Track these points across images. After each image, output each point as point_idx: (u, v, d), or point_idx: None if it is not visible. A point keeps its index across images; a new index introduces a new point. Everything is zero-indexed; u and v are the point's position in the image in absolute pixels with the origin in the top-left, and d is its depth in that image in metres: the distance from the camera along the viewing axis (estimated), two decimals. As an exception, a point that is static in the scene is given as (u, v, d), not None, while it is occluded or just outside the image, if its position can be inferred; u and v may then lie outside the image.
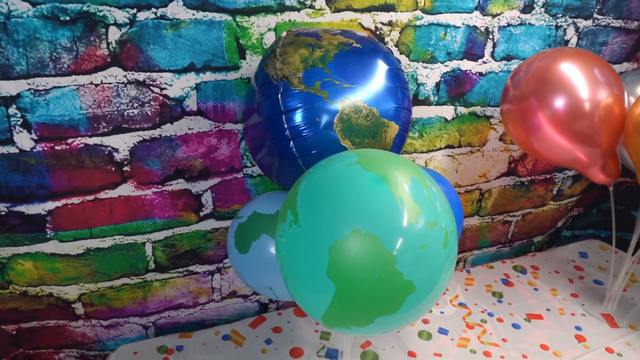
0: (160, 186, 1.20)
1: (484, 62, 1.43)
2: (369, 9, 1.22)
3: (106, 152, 1.11)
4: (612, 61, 1.59)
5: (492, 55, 1.43)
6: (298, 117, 0.91)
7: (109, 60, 1.04)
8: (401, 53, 1.31)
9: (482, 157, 1.60)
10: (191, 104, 1.15)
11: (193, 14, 1.06)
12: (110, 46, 1.03)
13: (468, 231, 1.73)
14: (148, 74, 1.08)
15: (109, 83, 1.06)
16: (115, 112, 1.09)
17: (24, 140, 1.03)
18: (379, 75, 0.97)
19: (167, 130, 1.15)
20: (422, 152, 1.50)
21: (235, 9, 1.09)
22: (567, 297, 1.46)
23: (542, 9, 1.41)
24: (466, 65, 1.41)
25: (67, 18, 0.97)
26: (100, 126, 1.08)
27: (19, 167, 1.05)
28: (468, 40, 1.37)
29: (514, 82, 1.27)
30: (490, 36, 1.40)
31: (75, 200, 1.13)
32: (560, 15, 1.44)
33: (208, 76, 1.14)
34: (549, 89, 1.18)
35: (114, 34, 1.02)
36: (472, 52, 1.40)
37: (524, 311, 1.38)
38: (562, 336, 1.29)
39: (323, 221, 0.70)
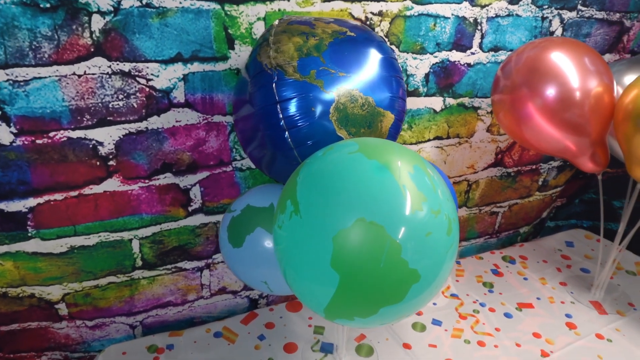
0: (147, 181, 1.16)
1: (473, 53, 1.44)
2: (359, -1, 1.20)
3: (90, 146, 1.07)
4: (595, 52, 1.61)
5: (480, 46, 1.43)
6: (293, 107, 0.89)
7: (92, 50, 0.99)
8: (391, 44, 1.30)
9: (469, 149, 1.60)
10: (178, 95, 1.12)
11: (180, 2, 1.03)
12: (94, 35, 0.98)
13: (456, 223, 1.74)
14: (133, 64, 1.04)
15: (93, 74, 1.01)
16: (100, 104, 1.04)
17: (2, 133, 0.98)
18: (373, 64, 0.95)
19: (154, 122, 1.11)
20: (411, 144, 1.49)
21: (224, -4, 1.06)
22: (556, 285, 1.48)
23: (529, 0, 1.42)
24: (455, 56, 1.41)
25: (48, 5, 0.92)
26: (84, 119, 1.04)
27: (-3, 162, 1.00)
28: (457, 31, 1.37)
29: (504, 73, 1.27)
30: (479, 27, 1.40)
31: (58, 196, 1.08)
32: (547, 6, 1.45)
33: (196, 67, 1.11)
34: (540, 79, 1.19)
35: (97, 23, 0.98)
36: (460, 43, 1.40)
37: (515, 300, 1.40)
38: (553, 324, 1.30)
39: (326, 211, 0.68)
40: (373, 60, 0.95)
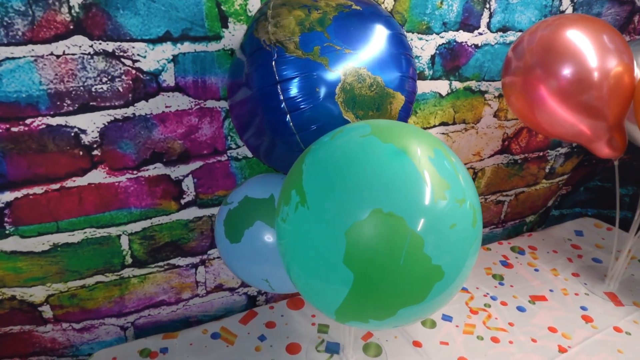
0: (135, 172, 1.07)
1: (480, 34, 1.36)
2: (362, -28, 1.11)
3: (72, 134, 0.98)
4: (606, 33, 1.54)
5: (489, 26, 1.35)
6: (295, 88, 0.80)
7: (71, 27, 0.90)
8: (396, 22, 1.21)
9: (476, 135, 1.53)
10: (168, 78, 1.02)
11: (168, -26, 0.93)
12: (73, 11, 0.89)
13: (462, 213, 1.67)
14: (118, 43, 0.95)
15: (73, 54, 0.92)
16: (81, 88, 0.95)
17: (-28, 121, 0.89)
18: (381, 41, 0.87)
19: (142, 108, 1.02)
20: (416, 131, 1.41)
21: (216, -32, 0.97)
22: (569, 276, 1.42)
23: (540, -24, 1.34)
24: (462, 36, 1.33)
25: (19, -24, 0.83)
26: (64, 104, 0.95)
27: (-32, 152, 0.90)
28: (465, 10, 1.29)
29: (516, 54, 1.20)
30: (487, 5, 1.32)
31: (38, 189, 0.99)
32: (558, -17, 1.37)
33: (186, 47, 1.01)
34: (556, 59, 1.11)
35: (76, -4, 0.88)
36: (468, 22, 1.32)
37: (527, 293, 1.33)
38: (568, 317, 1.24)
39: (337, 201, 0.60)
40: (381, 36, 0.87)
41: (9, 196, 0.97)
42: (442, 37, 1.30)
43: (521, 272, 1.44)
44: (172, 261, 1.22)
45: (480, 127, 1.51)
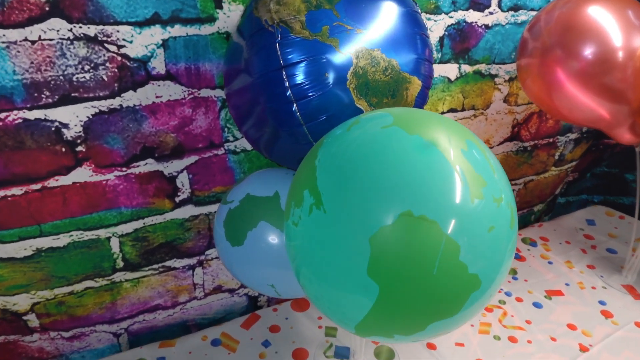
0: (124, 169, 0.98)
1: (491, 13, 1.27)
2: (368, -54, 1.02)
3: (53, 129, 0.88)
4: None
5: (499, 4, 1.27)
6: (302, 73, 0.72)
7: (47, 9, 0.80)
8: (403, 1, 1.12)
9: (485, 121, 1.45)
10: (158, 65, 0.93)
11: (154, -52, 0.84)
12: (48, -10, 0.79)
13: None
14: (101, 27, 0.85)
15: (50, 39, 0.82)
16: (61, 77, 0.86)
17: (-62, 116, 0.79)
18: (395, 20, 0.78)
19: (130, 99, 0.93)
20: (423, 118, 1.33)
21: (208, -59, 0.87)
22: (584, 269, 1.36)
23: (555, -50, 1.25)
24: (472, 16, 1.24)
25: (-15, -51, 0.73)
26: (43, 96, 0.85)
27: None
28: (475, -13, 1.20)
29: (533, 34, 1.12)
30: (499, -18, 1.23)
31: (17, 190, 0.90)
32: (574, -43, 1.28)
33: (177, 30, 0.92)
34: (576, 38, 1.03)
35: (51, -27, 0.78)
36: (478, 0, 1.23)
37: (542, 288, 1.27)
38: (587, 313, 1.18)
39: (359, 203, 0.52)
40: (394, 14, 0.78)
41: (-16, 199, 0.88)
42: (452, 17, 1.22)
43: (534, 265, 1.37)
44: (168, 263, 1.13)
45: (489, 113, 1.44)
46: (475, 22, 1.26)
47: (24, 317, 1.04)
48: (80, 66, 0.86)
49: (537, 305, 1.20)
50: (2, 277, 0.97)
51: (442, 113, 1.35)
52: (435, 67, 1.27)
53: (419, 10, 0.85)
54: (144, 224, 1.06)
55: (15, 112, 0.84)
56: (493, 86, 1.39)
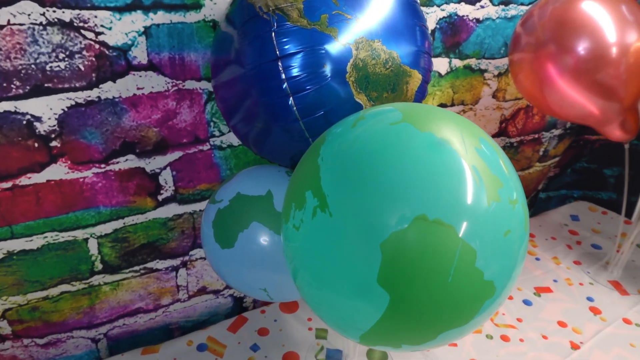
0: (103, 165, 0.92)
1: (482, 7, 1.25)
2: None
3: (24, 122, 0.81)
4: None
5: (491, -2, 1.25)
6: (300, 64, 0.67)
7: (16, -10, 0.73)
8: (396, -8, 1.08)
9: (474, 117, 1.44)
10: (139, 54, 0.87)
11: None
12: (18, -31, 0.72)
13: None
14: (77, 11, 0.79)
15: (20, 24, 0.75)
16: (33, 66, 0.79)
17: None
18: (394, 9, 0.74)
19: (109, 90, 0.87)
20: (413, 113, 1.30)
21: None
22: (571, 265, 1.36)
23: (547, -56, 1.23)
24: (464, 9, 1.22)
25: None
26: (12, 86, 0.78)
27: None
28: (468, -21, 1.18)
29: (526, 28, 1.10)
30: (491, -25, 1.21)
31: (-16, 189, 0.83)
32: (565, -49, 1.27)
33: (160, 17, 0.86)
34: (571, 33, 1.02)
35: (21, -49, 0.71)
36: (470, -7, 1.21)
37: (531, 284, 1.27)
38: (576, 309, 1.18)
39: (369, 206, 0.49)
40: (394, 3, 0.75)
41: (-53, 198, 0.80)
42: (443, 10, 1.19)
43: (523, 262, 1.37)
44: (150, 265, 1.07)
45: (478, 108, 1.42)
46: (467, 16, 1.23)
47: (-6, 325, 0.97)
48: (54, 54, 0.79)
49: (527, 302, 1.20)
50: (-32, 283, 0.90)
51: (432, 108, 1.33)
52: (427, 61, 1.24)
53: (418, 0, 0.81)
54: (124, 224, 1.00)
55: (-19, 103, 0.77)
56: (482, 81, 1.37)
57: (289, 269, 0.61)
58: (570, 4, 1.04)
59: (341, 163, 0.53)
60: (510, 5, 1.29)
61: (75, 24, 0.79)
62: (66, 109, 0.84)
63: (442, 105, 1.34)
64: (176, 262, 1.11)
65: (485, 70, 1.36)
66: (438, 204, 0.48)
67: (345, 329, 0.57)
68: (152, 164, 0.97)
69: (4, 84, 0.77)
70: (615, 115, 1.11)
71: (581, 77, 1.05)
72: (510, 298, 1.21)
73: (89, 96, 0.85)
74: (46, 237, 0.92)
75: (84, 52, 0.82)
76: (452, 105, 1.36)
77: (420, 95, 0.80)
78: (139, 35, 0.85)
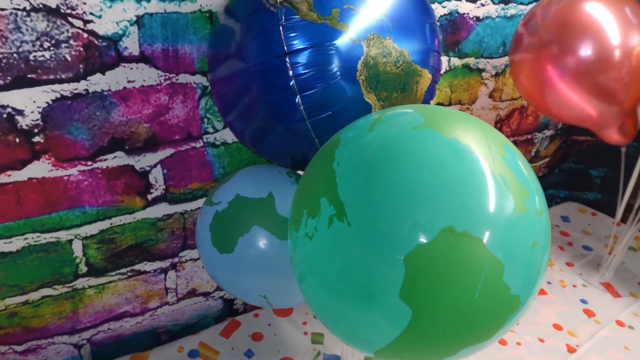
0: (90, 162, 0.86)
1: (483, 5, 1.23)
2: None
3: (4, 116, 0.75)
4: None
5: (491, -4, 1.23)
6: (308, 61, 0.63)
7: (-3, -28, 0.67)
8: (398, -13, 1.05)
9: (469, 117, 1.42)
10: (131, 45, 0.82)
11: None
12: (-1, -51, 0.66)
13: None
14: (63, -3, 0.73)
15: (2, 9, 0.69)
16: (15, 55, 0.73)
17: None
18: (405, 4, 0.71)
19: (97, 83, 0.81)
20: (410, 112, 1.28)
21: None
22: (563, 266, 1.36)
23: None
24: (465, 7, 1.20)
25: None
26: (-8, 76, 0.72)
27: None
28: (470, -24, 1.15)
29: (529, 29, 1.08)
30: (493, -28, 1.18)
31: (-40, 188, 0.77)
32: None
33: (154, 6, 0.81)
34: (575, 35, 1.00)
35: None
36: (471, -9, 1.18)
37: (526, 287, 1.26)
38: (571, 312, 1.18)
39: (392, 217, 0.45)
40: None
41: None
42: (445, 7, 1.16)
43: (517, 263, 1.36)
44: (137, 267, 1.02)
45: (475, 108, 1.40)
46: (467, 14, 1.21)
47: (-32, 331, 0.91)
48: (38, 43, 0.74)
49: (522, 305, 1.19)
50: (-60, 288, 0.83)
51: (429, 107, 1.30)
52: (425, 58, 1.21)
53: (428, -4, 0.78)
54: (111, 224, 0.94)
55: (-43, 95, 0.71)
56: (480, 81, 1.36)
57: (296, 277, 0.57)
58: (573, 5, 1.03)
59: (360, 169, 0.49)
60: (510, 5, 1.28)
61: (62, 11, 0.73)
62: (51, 102, 0.78)
63: (440, 105, 1.32)
64: (165, 263, 1.06)
65: (483, 70, 1.34)
66: (466, 215, 0.45)
67: (358, 343, 0.53)
68: (141, 161, 0.92)
69: (-17, 74, 0.71)
70: (614, 118, 1.10)
71: (583, 79, 1.04)
72: (506, 301, 1.20)
73: (76, 89, 0.80)
74: (27, 238, 0.86)
75: (71, 42, 0.76)
76: (450, 104, 1.34)
77: (429, 96, 0.77)
78: (131, 25, 0.80)
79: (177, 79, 0.88)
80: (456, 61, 1.27)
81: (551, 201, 2.01)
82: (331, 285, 0.50)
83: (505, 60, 1.35)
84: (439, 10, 1.16)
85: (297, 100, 0.65)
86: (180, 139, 0.95)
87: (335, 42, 0.63)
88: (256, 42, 0.66)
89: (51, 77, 0.77)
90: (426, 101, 0.77)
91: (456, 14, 1.19)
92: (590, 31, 1.00)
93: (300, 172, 0.91)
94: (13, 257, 0.87)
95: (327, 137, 0.69)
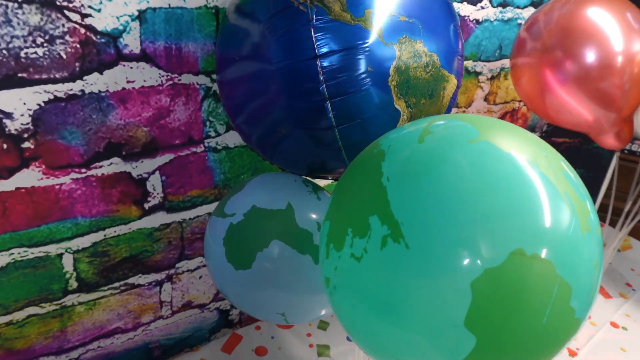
0: (84, 170, 0.79)
1: (482, 8, 1.22)
2: None
3: (-10, 119, 0.68)
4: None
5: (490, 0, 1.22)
6: (341, 65, 0.59)
7: (-15, -42, 0.59)
8: (405, -13, 1.02)
9: (464, 120, 1.41)
10: (131, 42, 0.75)
11: None
12: None
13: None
14: (59, -12, 0.66)
15: (-11, 0, 0.62)
16: (4, 52, 0.65)
17: None
18: (435, 7, 0.68)
19: (94, 83, 0.74)
20: (409, 115, 1.25)
21: None
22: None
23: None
24: (465, 9, 1.18)
25: None
26: (-23, 75, 0.64)
27: None
28: (473, -22, 1.14)
29: (532, 34, 1.08)
30: (494, -25, 1.18)
31: (-62, 200, 0.68)
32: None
33: (157, 0, 0.74)
34: (578, 40, 1.01)
35: None
36: (473, -7, 1.17)
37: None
38: (569, 315, 1.19)
39: (457, 239, 0.42)
40: (434, 1, 0.68)
41: None
42: (447, 9, 1.14)
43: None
44: (131, 280, 0.95)
45: (470, 111, 1.40)
46: (468, 16, 1.20)
47: (-58, 357, 0.82)
48: (30, 38, 0.66)
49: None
50: None
51: (428, 110, 1.29)
52: (426, 61, 1.19)
53: (451, -1, 0.75)
54: (104, 236, 0.87)
55: (-63, 96, 0.62)
56: (477, 84, 1.35)
57: (333, 299, 0.53)
58: (576, 10, 1.03)
59: (416, 186, 0.45)
60: (508, 8, 1.27)
61: (57, 3, 0.66)
62: (43, 104, 0.71)
63: (437, 107, 1.31)
64: (161, 276, 0.99)
65: (480, 73, 1.34)
66: (535, 236, 0.42)
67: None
68: (139, 168, 0.85)
69: (-33, 73, 0.63)
70: (612, 124, 1.11)
71: (584, 85, 1.04)
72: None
73: (71, 89, 0.72)
74: (12, 254, 0.78)
75: (67, 37, 0.69)
76: (446, 107, 1.33)
77: (453, 102, 0.74)
78: (132, 20, 0.73)
79: (179, 80, 0.82)
80: (455, 64, 1.26)
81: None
82: (383, 311, 0.46)
83: (500, 63, 1.35)
84: (441, 11, 1.14)
85: (327, 106, 0.61)
86: (181, 143, 0.88)
87: (368, 45, 0.60)
88: (281, 43, 0.61)
89: (44, 76, 0.69)
90: (450, 107, 0.74)
91: (458, 16, 1.17)
92: (594, 37, 1.00)
93: (313, 180, 0.87)
94: (-4, 275, 0.78)
95: (354, 146, 0.65)
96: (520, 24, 1.32)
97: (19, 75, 0.67)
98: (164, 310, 1.04)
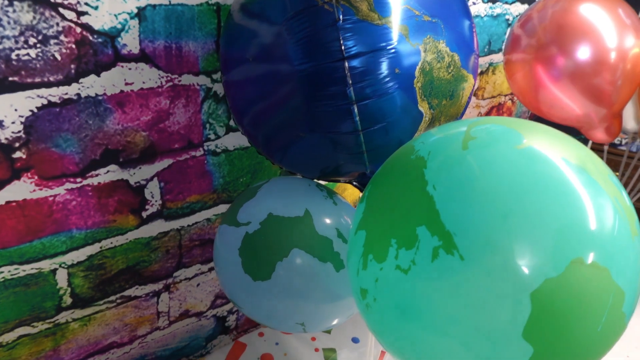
0: (79, 179, 0.74)
1: (474, 3, 1.22)
2: None
3: (-22, 128, 0.61)
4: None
5: (481, -5, 1.22)
6: (368, 66, 0.57)
7: (-29, -51, 0.53)
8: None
9: (453, 115, 1.42)
10: (130, 42, 0.70)
11: None
12: None
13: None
14: (53, -17, 0.60)
15: (-25, -4, 0.56)
16: (-8, 54, 0.59)
17: None
18: (453, 4, 0.67)
19: (91, 86, 0.69)
20: (403, 112, 1.25)
21: None
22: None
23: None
24: (458, 5, 1.18)
25: None
26: (-37, 79, 0.58)
27: None
28: (465, -26, 1.13)
29: (527, 30, 1.09)
30: (485, -29, 1.18)
31: None
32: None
33: (157, -4, 0.70)
34: (572, 37, 1.02)
35: None
36: (465, -11, 1.16)
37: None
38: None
39: (516, 249, 0.41)
40: (454, 1, 0.67)
41: None
42: (441, 5, 1.13)
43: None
44: (127, 292, 0.90)
45: (459, 106, 1.40)
46: (459, 12, 1.20)
47: None
48: (22, 38, 0.60)
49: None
50: None
51: (421, 106, 1.28)
52: (420, 57, 1.18)
53: (464, -3, 0.74)
54: (100, 248, 0.82)
55: None
56: (465, 79, 1.35)
57: (369, 312, 0.52)
58: (569, 7, 1.04)
59: (467, 195, 0.44)
60: (497, 4, 1.28)
61: (51, 0, 0.61)
62: (36, 110, 0.65)
63: (428, 104, 1.30)
64: (158, 286, 0.95)
65: (468, 68, 1.34)
66: (592, 243, 0.41)
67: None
68: (137, 174, 0.80)
69: (-47, 77, 0.57)
70: (602, 120, 1.14)
71: (578, 81, 1.06)
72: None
73: (66, 93, 0.67)
74: (2, 272, 0.72)
75: (62, 37, 0.63)
76: (437, 103, 1.33)
77: (469, 102, 0.73)
78: (131, 18, 0.68)
79: (179, 80, 0.78)
80: (447, 60, 1.25)
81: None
82: (435, 324, 0.45)
83: (489, 59, 1.36)
84: (436, 8, 1.13)
85: (353, 110, 0.58)
86: (180, 147, 0.84)
87: (394, 46, 0.57)
88: (303, 44, 0.58)
89: (37, 80, 0.63)
90: (466, 107, 0.73)
91: (450, 12, 1.17)
92: (588, 33, 1.02)
93: (322, 182, 0.84)
94: (-16, 295, 0.72)
95: (376, 150, 0.63)
96: (508, 20, 1.33)
97: (10, 79, 0.61)
98: (161, 321, 1.00)
